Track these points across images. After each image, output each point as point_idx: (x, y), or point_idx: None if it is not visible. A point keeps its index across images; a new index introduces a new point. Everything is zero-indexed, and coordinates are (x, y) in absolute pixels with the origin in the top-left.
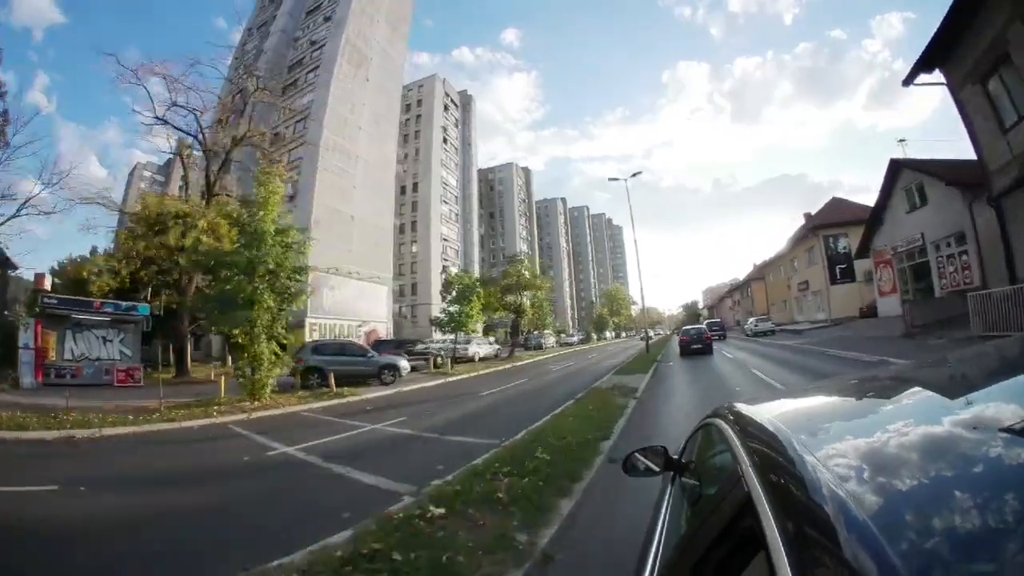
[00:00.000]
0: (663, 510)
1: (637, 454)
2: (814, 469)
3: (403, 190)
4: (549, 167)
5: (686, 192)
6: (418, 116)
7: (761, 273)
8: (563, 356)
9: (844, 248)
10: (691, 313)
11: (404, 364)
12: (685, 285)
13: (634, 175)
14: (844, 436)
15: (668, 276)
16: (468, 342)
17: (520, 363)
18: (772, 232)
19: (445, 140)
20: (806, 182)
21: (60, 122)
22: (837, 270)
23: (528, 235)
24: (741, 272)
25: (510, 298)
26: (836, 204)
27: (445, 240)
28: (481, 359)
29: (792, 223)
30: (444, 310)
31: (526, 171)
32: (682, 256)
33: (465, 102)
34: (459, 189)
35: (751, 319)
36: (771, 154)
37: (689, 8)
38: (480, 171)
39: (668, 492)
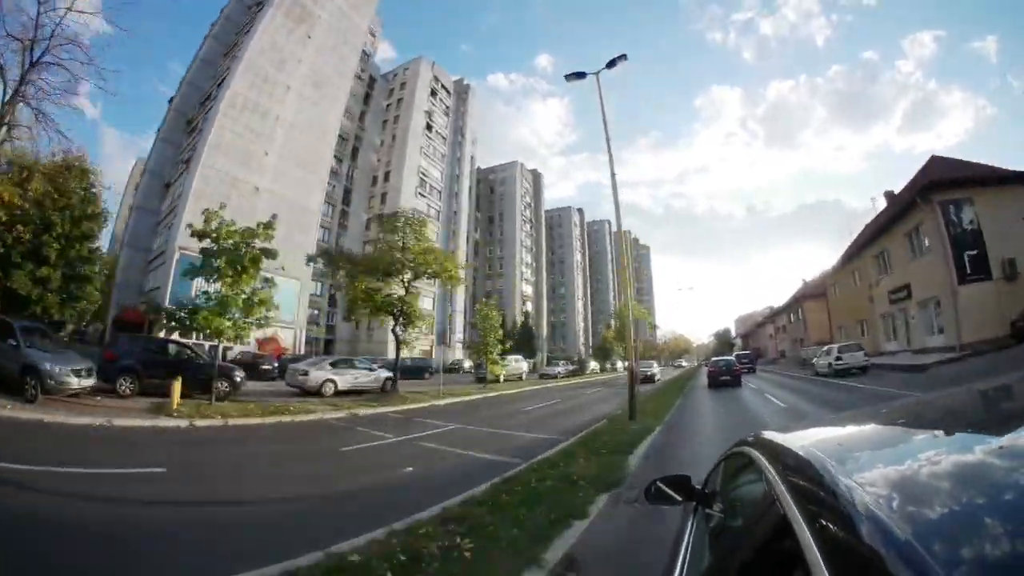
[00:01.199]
0: (684, 541)
1: (660, 483)
2: (852, 492)
3: (374, 180)
4: (580, 191)
5: (719, 219)
6: (399, 100)
7: (818, 288)
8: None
9: (971, 223)
10: (723, 342)
11: None
12: (717, 313)
13: (609, 64)
14: (878, 464)
15: (699, 304)
16: (315, 365)
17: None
18: (806, 260)
19: (429, 127)
20: (842, 208)
21: None
22: (967, 260)
23: (534, 245)
24: (776, 300)
25: (388, 287)
26: (942, 163)
27: None
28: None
29: (828, 251)
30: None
31: (535, 174)
32: (714, 284)
33: (460, 91)
34: (445, 184)
35: (824, 349)
36: (806, 180)
37: (720, 32)
38: (480, 171)
39: (690, 523)
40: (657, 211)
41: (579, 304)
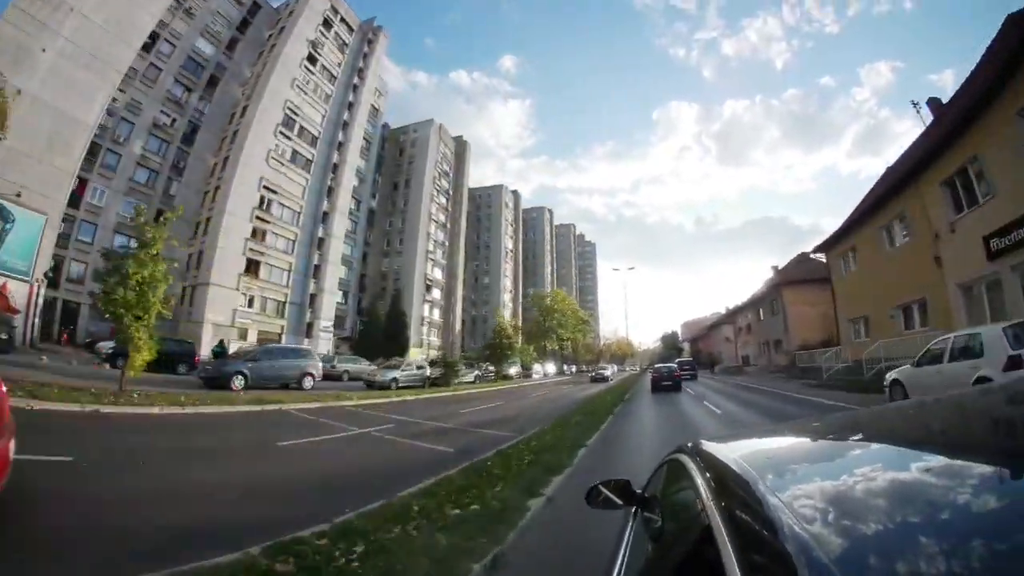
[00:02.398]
0: (624, 543)
1: (601, 486)
2: (778, 510)
3: (231, 118)
4: (536, 195)
5: (669, 229)
6: (282, 29)
7: (805, 273)
8: None
9: None
10: (670, 345)
11: None
12: (664, 319)
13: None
14: (810, 478)
15: (646, 310)
16: None
17: None
18: (750, 273)
19: (313, 60)
20: (787, 225)
21: None
22: None
23: (450, 222)
24: (720, 308)
25: None
26: None
27: (272, 191)
28: None
29: (769, 266)
30: None
31: (459, 141)
32: (662, 291)
33: (368, 33)
34: (327, 130)
35: (944, 340)
36: (755, 196)
37: (684, 49)
38: (391, 130)
39: (630, 525)
40: (611, 218)
41: (506, 296)
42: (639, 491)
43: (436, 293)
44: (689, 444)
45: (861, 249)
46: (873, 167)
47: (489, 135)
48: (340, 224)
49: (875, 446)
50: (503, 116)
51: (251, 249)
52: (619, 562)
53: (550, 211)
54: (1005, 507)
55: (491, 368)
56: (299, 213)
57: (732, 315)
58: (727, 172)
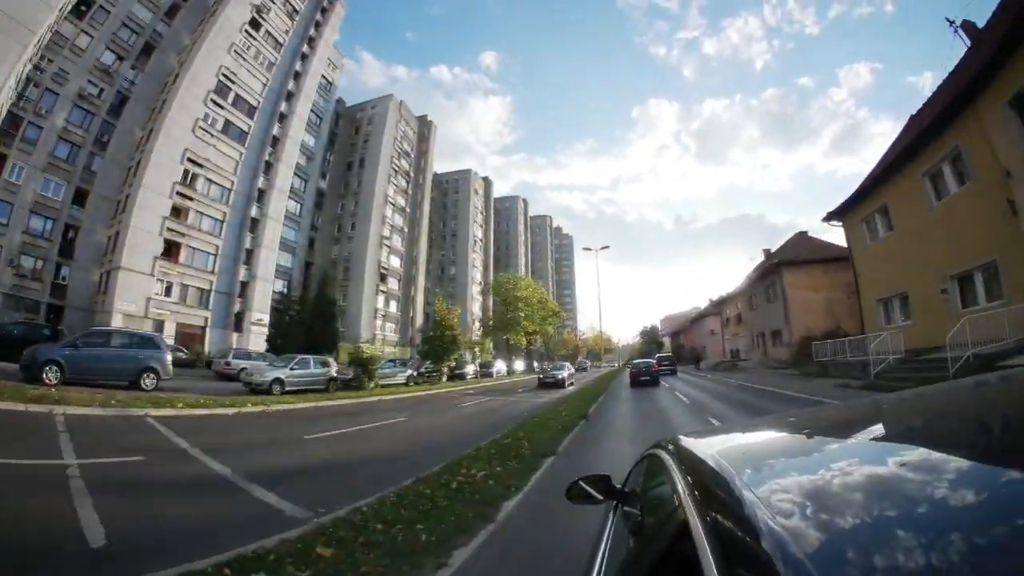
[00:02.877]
0: (605, 537)
1: (581, 482)
2: (754, 506)
3: (164, 86)
4: (516, 192)
5: (649, 227)
6: None
7: (809, 251)
8: None
9: None
10: (650, 339)
11: None
12: (643, 315)
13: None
14: (786, 473)
15: (626, 306)
16: None
17: None
18: (729, 270)
19: (256, 25)
20: (764, 222)
21: None
22: None
23: (411, 207)
24: (701, 303)
25: None
26: None
27: (198, 165)
28: None
29: (749, 263)
30: None
31: (423, 121)
32: (641, 288)
33: (323, 1)
34: (268, 100)
35: None
36: (733, 194)
37: (664, 48)
38: (347, 107)
39: (611, 520)
40: (590, 215)
41: (475, 289)
42: (619, 486)
43: (393, 283)
44: (668, 439)
45: (895, 207)
46: (850, 167)
47: (468, 131)
48: (279, 203)
49: (854, 440)
50: (483, 112)
51: (170, 229)
52: (600, 556)
53: (524, 201)
54: (984, 501)
55: (431, 367)
56: (230, 190)
57: (718, 306)
58: (706, 170)
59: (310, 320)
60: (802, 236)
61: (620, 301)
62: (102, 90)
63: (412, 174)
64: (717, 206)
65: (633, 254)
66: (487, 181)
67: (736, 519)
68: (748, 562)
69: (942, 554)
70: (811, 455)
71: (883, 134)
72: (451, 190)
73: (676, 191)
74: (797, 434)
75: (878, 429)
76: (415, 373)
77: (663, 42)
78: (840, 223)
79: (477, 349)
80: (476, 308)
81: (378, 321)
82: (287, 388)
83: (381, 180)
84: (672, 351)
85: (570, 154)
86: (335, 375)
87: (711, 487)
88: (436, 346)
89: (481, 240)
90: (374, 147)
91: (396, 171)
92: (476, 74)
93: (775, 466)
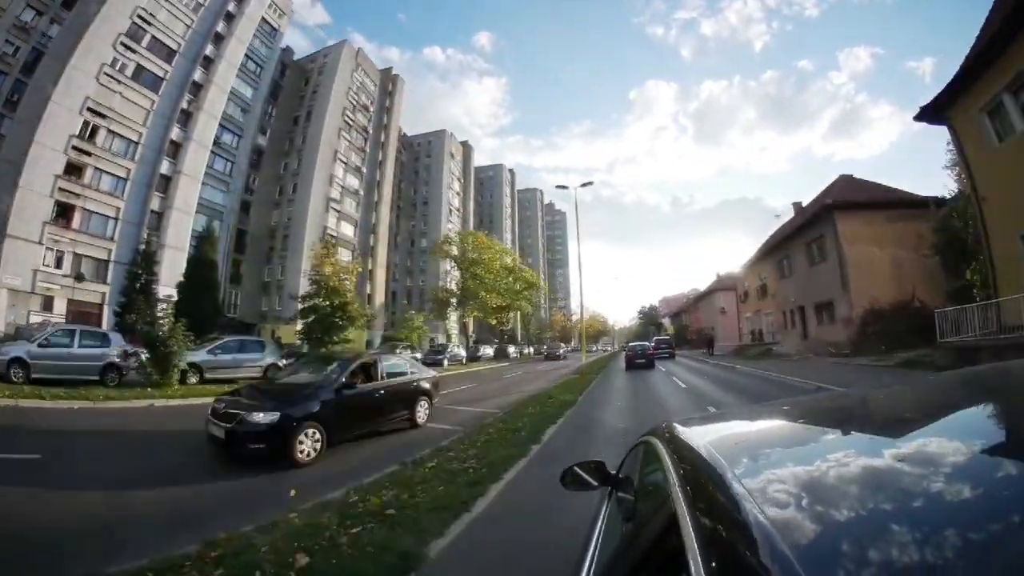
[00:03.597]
0: (599, 523)
1: (576, 468)
2: (742, 498)
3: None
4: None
5: (646, 209)
6: None
7: (870, 195)
8: None
9: None
10: (649, 321)
11: None
12: (641, 298)
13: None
14: (780, 465)
15: (624, 288)
16: None
17: None
18: (726, 253)
19: None
20: (761, 206)
21: None
22: None
23: (369, 168)
24: (701, 284)
25: None
26: None
27: (100, 116)
28: None
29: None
30: None
31: (389, 76)
32: (639, 270)
33: None
34: (192, 43)
35: None
36: (730, 177)
37: (662, 28)
38: (297, 60)
39: (605, 506)
40: (587, 198)
41: (448, 264)
42: (613, 472)
43: (344, 255)
44: (664, 426)
45: None
46: (847, 151)
47: (463, 113)
48: (198, 158)
49: (849, 431)
50: (477, 94)
51: (63, 190)
52: (594, 540)
53: (511, 171)
54: (980, 496)
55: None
56: (137, 144)
57: (731, 279)
58: (703, 153)
59: (185, 291)
60: (848, 180)
61: (616, 283)
62: (17, 48)
63: (371, 131)
64: (715, 189)
65: (630, 236)
66: (466, 146)
67: (724, 512)
68: (734, 555)
69: (935, 550)
70: (806, 446)
71: (883, 119)
72: (423, 153)
73: (673, 173)
74: (793, 423)
75: (877, 420)
76: (280, 363)
77: (661, 22)
78: (945, 121)
79: (415, 334)
80: (453, 285)
81: None
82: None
83: (329, 133)
84: (674, 333)
85: (566, 136)
86: (119, 362)
87: (701, 478)
88: (317, 320)
89: (459, 210)
90: (323, 97)
91: (350, 125)
92: (470, 55)
93: (769, 457)
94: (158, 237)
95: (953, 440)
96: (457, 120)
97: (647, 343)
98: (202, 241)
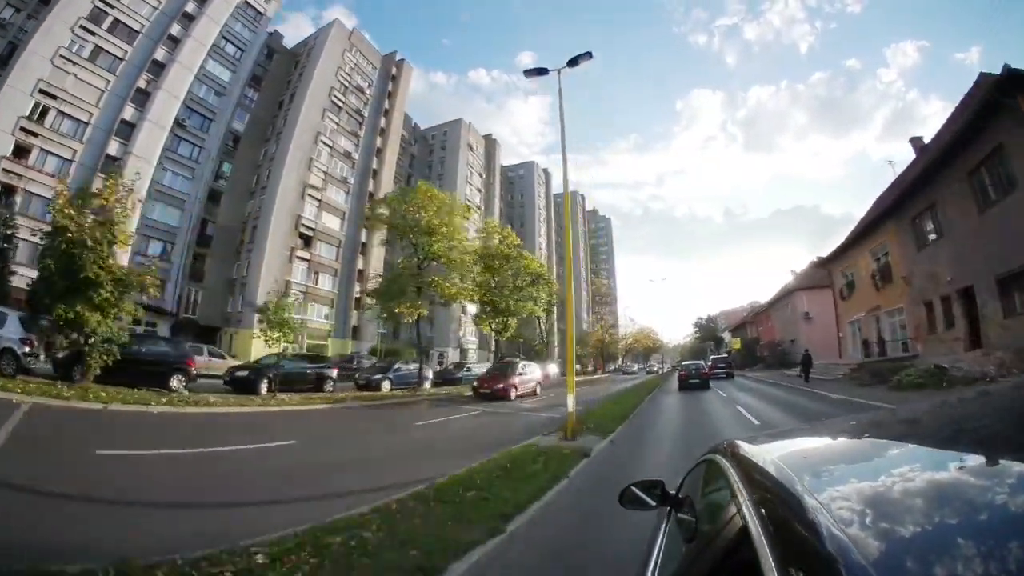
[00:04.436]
0: (658, 544)
1: (634, 487)
2: (816, 512)
3: None
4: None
5: (698, 222)
6: None
7: None
8: None
9: None
10: (707, 334)
11: None
12: (695, 312)
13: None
14: (847, 479)
15: (676, 303)
16: None
17: None
18: (782, 264)
19: None
20: (818, 214)
21: None
22: None
23: (360, 152)
24: (762, 296)
25: None
26: None
27: (52, 97)
28: None
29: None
30: None
31: (390, 60)
32: (692, 285)
33: None
34: (157, 22)
35: None
36: (783, 185)
37: (705, 36)
38: (289, 50)
39: (664, 527)
40: (637, 212)
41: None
42: (673, 492)
43: (326, 251)
44: (724, 444)
45: None
46: (905, 151)
47: (511, 133)
48: (152, 139)
49: (912, 445)
50: (524, 113)
51: (6, 171)
52: (653, 562)
53: (545, 171)
54: None
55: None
56: (87, 124)
57: (827, 263)
58: (754, 161)
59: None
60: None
61: (662, 286)
62: None
63: (367, 115)
64: (768, 198)
65: (682, 250)
66: (489, 140)
67: (798, 525)
68: (811, 569)
69: (1003, 563)
70: (872, 460)
71: (935, 115)
72: (437, 146)
73: (725, 184)
74: (857, 439)
75: (939, 433)
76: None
77: (703, 30)
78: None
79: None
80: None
81: (291, 298)
82: None
83: (311, 113)
84: (739, 350)
85: (613, 151)
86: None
87: (772, 492)
88: (52, 274)
89: (480, 208)
90: (307, 76)
91: (339, 106)
92: (514, 75)
93: (836, 472)
94: None
95: (1017, 453)
96: (506, 140)
97: (701, 362)
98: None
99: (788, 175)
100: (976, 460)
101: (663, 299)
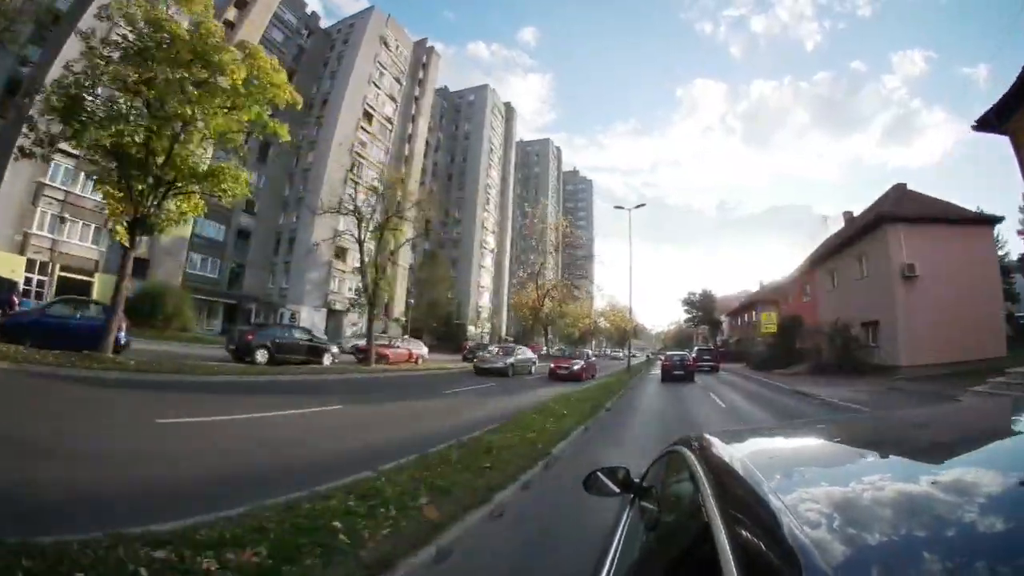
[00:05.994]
0: (619, 531)
1: (599, 473)
2: (780, 513)
3: None
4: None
5: (691, 212)
6: None
7: None
8: None
9: None
10: (704, 314)
11: None
12: (680, 303)
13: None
14: (816, 483)
15: (665, 291)
16: None
17: None
18: (772, 261)
19: None
20: (811, 213)
21: None
22: None
23: (397, 141)
24: (751, 286)
25: None
26: None
27: None
28: None
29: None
30: None
31: (431, 51)
32: (680, 272)
33: None
34: None
35: None
36: (778, 182)
37: (711, 25)
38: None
39: (626, 514)
40: (631, 198)
41: (487, 259)
42: (637, 480)
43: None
44: (693, 437)
45: None
46: (901, 158)
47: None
48: None
49: (885, 453)
50: (522, 91)
51: None
52: (613, 548)
53: (558, 148)
54: (1015, 526)
55: None
56: None
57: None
58: (751, 155)
59: None
60: None
61: (656, 286)
62: None
63: (399, 101)
64: (762, 194)
65: (670, 237)
66: (509, 108)
67: (761, 525)
68: (770, 569)
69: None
70: (842, 466)
71: (937, 126)
72: (463, 119)
73: (721, 176)
74: (829, 442)
75: (914, 443)
76: None
77: (710, 18)
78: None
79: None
80: (483, 279)
81: (334, 282)
82: None
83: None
84: (775, 333)
85: (610, 135)
86: None
87: (737, 491)
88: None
89: (498, 186)
90: (348, 62)
91: (377, 90)
92: (514, 50)
93: (804, 474)
94: None
95: (991, 469)
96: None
97: (686, 353)
98: None
99: (785, 173)
100: (947, 472)
101: (646, 278)
